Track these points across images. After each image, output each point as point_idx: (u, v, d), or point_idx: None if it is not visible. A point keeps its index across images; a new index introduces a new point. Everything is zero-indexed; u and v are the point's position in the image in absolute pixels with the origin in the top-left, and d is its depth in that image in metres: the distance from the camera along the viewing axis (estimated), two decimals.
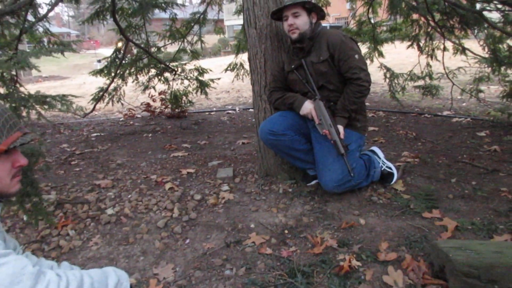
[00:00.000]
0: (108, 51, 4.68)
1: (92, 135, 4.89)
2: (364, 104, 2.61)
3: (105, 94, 4.86)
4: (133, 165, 3.55)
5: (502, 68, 4.16)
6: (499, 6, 3.31)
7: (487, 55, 4.38)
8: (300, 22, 2.43)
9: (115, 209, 2.62)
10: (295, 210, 2.47)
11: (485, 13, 3.65)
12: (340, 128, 2.39)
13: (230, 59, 5.49)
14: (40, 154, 1.85)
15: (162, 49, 5.20)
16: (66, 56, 4.29)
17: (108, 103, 5.03)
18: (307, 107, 2.47)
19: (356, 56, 2.41)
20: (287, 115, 2.61)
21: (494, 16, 3.94)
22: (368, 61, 6.12)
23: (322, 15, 2.58)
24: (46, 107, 1.99)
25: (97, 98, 4.80)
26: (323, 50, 2.45)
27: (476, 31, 4.06)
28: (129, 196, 2.82)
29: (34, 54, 1.92)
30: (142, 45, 4.82)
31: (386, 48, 6.03)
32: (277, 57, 2.80)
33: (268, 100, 2.81)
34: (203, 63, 5.64)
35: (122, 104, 5.26)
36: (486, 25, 3.84)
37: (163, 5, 4.52)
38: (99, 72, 4.77)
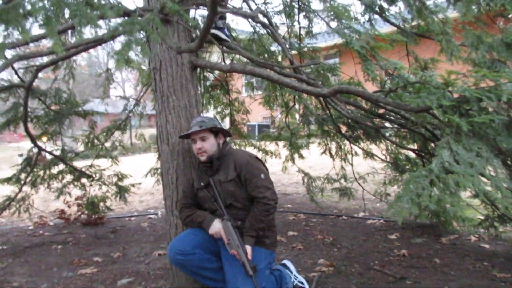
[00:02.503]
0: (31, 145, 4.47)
1: None
2: (273, 220, 2.66)
3: (12, 202, 4.53)
4: None
5: (405, 175, 4.56)
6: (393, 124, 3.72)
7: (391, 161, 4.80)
8: (207, 145, 2.54)
9: None
10: None
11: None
12: (248, 248, 2.40)
13: None
14: None
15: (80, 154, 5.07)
16: None
17: (14, 213, 4.68)
18: (216, 226, 2.47)
19: (262, 175, 2.52)
20: (197, 233, 2.58)
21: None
22: (289, 163, 6.41)
23: (228, 135, 2.74)
24: None
25: (3, 208, 4.45)
26: (231, 170, 2.54)
27: (377, 142, 4.48)
28: None
29: None
30: (58, 151, 4.69)
31: (308, 149, 6.35)
32: (188, 173, 2.85)
33: (179, 216, 2.78)
34: (132, 159, 5.53)
35: (30, 214, 4.90)
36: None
37: (82, 112, 4.53)
38: (7, 180, 4.49)
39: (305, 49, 4.70)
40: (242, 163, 2.53)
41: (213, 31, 3.16)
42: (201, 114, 3.14)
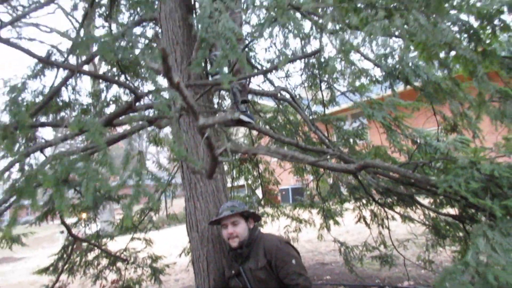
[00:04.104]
0: (71, 220, 4.57)
1: None
2: None
3: None
4: None
5: (446, 240, 4.32)
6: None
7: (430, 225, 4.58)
8: (239, 229, 2.53)
9: None
10: None
11: None
12: None
13: None
14: None
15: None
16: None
17: None
18: None
19: (293, 261, 2.45)
20: None
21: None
22: (324, 231, 6.22)
23: (258, 219, 2.72)
24: None
25: None
26: (260, 257, 2.49)
27: (413, 207, 4.31)
28: None
29: None
30: (93, 236, 4.78)
31: (342, 217, 6.15)
32: (219, 260, 2.81)
33: None
34: (168, 232, 5.49)
35: None
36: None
37: (116, 198, 4.65)
38: (44, 271, 4.56)
39: (329, 118, 4.74)
40: (272, 249, 2.48)
41: (236, 115, 3.26)
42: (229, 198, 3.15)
